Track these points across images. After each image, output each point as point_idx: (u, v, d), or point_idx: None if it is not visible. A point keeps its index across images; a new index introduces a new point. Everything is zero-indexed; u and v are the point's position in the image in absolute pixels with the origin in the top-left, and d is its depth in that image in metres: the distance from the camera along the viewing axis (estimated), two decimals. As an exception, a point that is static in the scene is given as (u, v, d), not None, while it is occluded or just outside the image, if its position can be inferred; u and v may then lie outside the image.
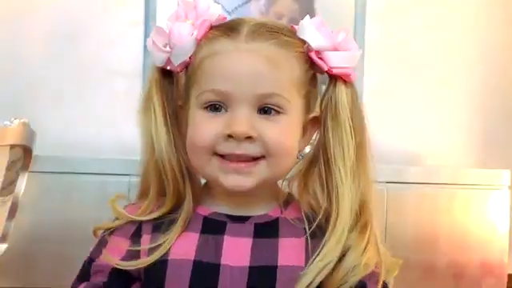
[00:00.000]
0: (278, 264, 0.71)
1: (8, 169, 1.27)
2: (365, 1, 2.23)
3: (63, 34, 2.05)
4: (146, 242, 0.75)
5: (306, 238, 0.73)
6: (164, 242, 0.72)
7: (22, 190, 1.34)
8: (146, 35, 2.10)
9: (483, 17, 2.31)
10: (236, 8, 2.18)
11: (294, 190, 0.79)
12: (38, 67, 2.04)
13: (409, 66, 2.26)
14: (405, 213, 1.91)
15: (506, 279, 2.05)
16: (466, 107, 2.30)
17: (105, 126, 2.06)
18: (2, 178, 1.25)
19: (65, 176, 1.74)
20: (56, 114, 1.99)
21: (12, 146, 1.26)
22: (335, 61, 0.71)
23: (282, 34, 0.73)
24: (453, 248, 1.92)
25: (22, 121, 1.25)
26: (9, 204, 1.31)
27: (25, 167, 1.34)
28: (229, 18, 0.76)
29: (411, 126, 2.24)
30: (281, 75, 0.71)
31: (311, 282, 0.68)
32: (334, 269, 0.69)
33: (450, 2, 2.29)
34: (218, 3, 2.24)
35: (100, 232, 0.79)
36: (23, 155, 1.33)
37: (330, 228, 0.71)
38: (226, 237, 0.73)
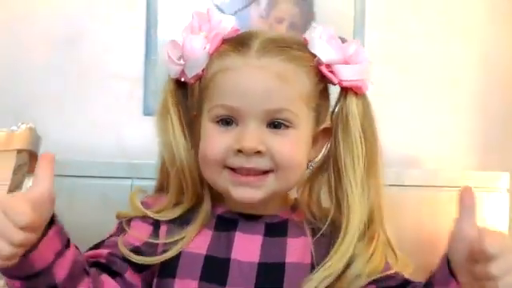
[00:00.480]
0: (286, 261, 0.75)
1: (15, 173, 1.29)
2: (364, 4, 2.26)
3: (64, 38, 2.07)
4: (163, 232, 0.79)
5: (311, 240, 0.77)
6: (181, 239, 0.76)
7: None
8: (148, 40, 2.13)
9: (484, 20, 2.34)
10: (236, 12, 2.20)
11: (298, 195, 0.82)
12: (39, 71, 2.06)
13: (408, 69, 2.29)
14: (404, 215, 1.94)
15: (504, 281, 2.09)
16: (465, 110, 2.33)
17: (106, 130, 2.08)
18: (9, 181, 1.28)
19: (66, 179, 1.77)
20: (57, 117, 2.01)
21: (19, 151, 1.29)
22: (346, 74, 0.74)
23: (291, 48, 0.76)
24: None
25: (28, 126, 1.28)
26: (15, 208, 1.34)
27: (30, 171, 1.37)
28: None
29: (410, 130, 2.27)
30: (290, 90, 0.74)
31: None
32: (338, 277, 0.74)
33: (450, 6, 2.32)
34: (219, 7, 2.27)
35: (121, 217, 0.82)
36: (29, 159, 1.35)
37: (339, 240, 0.75)
38: (237, 233, 0.77)
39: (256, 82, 0.73)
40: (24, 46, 2.06)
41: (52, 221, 0.67)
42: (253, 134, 0.72)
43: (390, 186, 1.95)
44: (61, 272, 0.67)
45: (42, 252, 0.65)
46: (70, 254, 0.69)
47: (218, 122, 0.75)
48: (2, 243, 0.59)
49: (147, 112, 2.14)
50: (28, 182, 1.37)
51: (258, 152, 0.73)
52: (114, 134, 2.09)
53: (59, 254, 0.67)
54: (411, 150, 2.25)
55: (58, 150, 1.92)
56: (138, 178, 1.82)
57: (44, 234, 0.65)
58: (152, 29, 2.13)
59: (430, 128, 2.31)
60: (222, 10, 2.15)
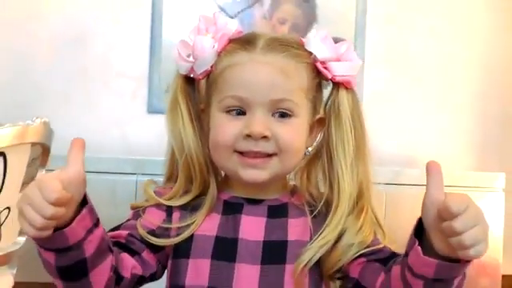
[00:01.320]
0: (288, 239, 0.86)
1: (29, 165, 1.38)
2: (365, 7, 2.36)
3: (71, 36, 2.18)
4: (176, 218, 0.88)
5: (309, 220, 0.88)
6: (192, 222, 0.86)
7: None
8: (152, 39, 2.23)
9: (482, 24, 2.44)
10: (239, 13, 2.29)
11: (297, 180, 0.93)
12: (47, 69, 2.17)
13: (408, 71, 2.38)
14: (403, 213, 2.01)
15: (500, 280, 2.17)
16: (462, 112, 2.43)
17: (111, 127, 2.18)
18: (24, 174, 1.37)
19: (74, 174, 1.85)
20: (64, 114, 2.10)
21: (33, 144, 1.37)
22: (338, 70, 0.85)
23: (292, 47, 0.86)
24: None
25: (42, 120, 1.37)
26: (28, 199, 1.42)
27: (43, 164, 1.46)
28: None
29: (409, 130, 2.36)
30: (292, 83, 0.85)
31: (312, 257, 0.83)
32: (332, 248, 0.84)
33: (449, 10, 2.41)
34: (222, 7, 2.36)
35: (135, 207, 0.91)
36: (41, 153, 1.44)
37: (331, 213, 0.85)
38: (243, 216, 0.87)
39: (262, 75, 0.84)
40: (33, 44, 2.17)
41: (85, 201, 0.75)
42: (260, 121, 0.83)
43: (389, 184, 2.06)
44: (90, 248, 0.75)
45: (75, 228, 0.73)
46: (98, 232, 0.76)
47: (227, 111, 0.85)
48: (35, 215, 0.68)
49: (151, 110, 2.24)
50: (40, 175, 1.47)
51: (265, 137, 0.83)
52: (119, 131, 2.20)
53: (89, 232, 0.75)
54: (410, 150, 2.34)
55: (65, 147, 2.04)
56: (142, 174, 1.91)
57: (78, 212, 0.73)
58: (157, 28, 2.24)
59: (428, 130, 2.40)
60: (225, 11, 2.25)
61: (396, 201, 1.99)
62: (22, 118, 1.40)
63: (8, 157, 1.29)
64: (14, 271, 1.49)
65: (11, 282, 1.48)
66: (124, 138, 2.21)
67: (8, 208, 1.35)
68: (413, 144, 2.35)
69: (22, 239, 1.47)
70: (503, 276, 2.18)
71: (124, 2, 2.23)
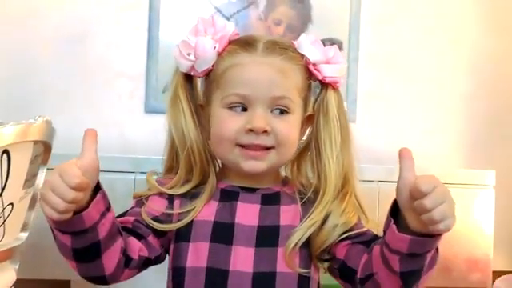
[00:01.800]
0: (280, 224, 0.94)
1: (31, 163, 1.43)
2: (359, 8, 2.41)
3: (71, 37, 2.23)
4: (177, 206, 0.96)
5: (299, 206, 0.96)
6: (192, 209, 0.94)
7: (42, 184, 1.50)
8: (150, 39, 2.28)
9: (470, 26, 2.50)
10: (234, 14, 2.35)
11: (288, 172, 1.02)
12: (48, 69, 2.22)
13: (400, 71, 2.44)
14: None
15: (491, 275, 2.22)
16: (454, 111, 2.49)
17: (109, 126, 2.23)
18: (26, 171, 1.41)
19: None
20: (64, 113, 2.15)
21: (35, 142, 1.42)
22: (328, 72, 0.94)
23: (289, 50, 0.95)
24: (441, 244, 2.08)
25: (45, 119, 1.42)
26: (30, 196, 1.47)
27: (44, 162, 1.50)
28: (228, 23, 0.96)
29: (402, 129, 2.42)
30: (289, 82, 0.93)
31: (302, 237, 0.92)
32: (319, 229, 0.92)
33: (438, 11, 2.48)
34: (218, 8, 2.40)
35: (137, 197, 0.99)
36: (43, 151, 1.49)
37: (318, 200, 0.94)
38: (239, 203, 0.96)
39: (263, 74, 0.92)
40: (33, 44, 2.22)
41: (98, 187, 0.82)
42: (261, 117, 0.90)
43: (383, 182, 2.11)
44: (103, 230, 0.82)
45: (91, 212, 0.79)
46: (110, 216, 0.84)
47: (230, 108, 0.93)
48: (58, 200, 0.74)
49: (148, 110, 2.30)
50: (42, 173, 1.51)
51: (265, 131, 0.91)
52: (117, 131, 2.25)
53: (103, 215, 0.82)
54: (403, 149, 2.39)
55: (65, 146, 2.08)
56: (140, 173, 1.96)
57: (93, 197, 0.80)
58: (154, 30, 2.29)
59: (420, 128, 2.46)
60: (220, 12, 2.30)
61: (389, 198, 2.00)
62: (23, 116, 1.43)
63: (11, 154, 1.34)
64: (17, 266, 1.54)
65: (14, 277, 1.53)
66: (122, 137, 2.26)
67: (11, 204, 1.39)
68: (405, 143, 2.38)
69: (24, 235, 1.52)
70: (494, 272, 2.24)
71: (122, 4, 2.29)
